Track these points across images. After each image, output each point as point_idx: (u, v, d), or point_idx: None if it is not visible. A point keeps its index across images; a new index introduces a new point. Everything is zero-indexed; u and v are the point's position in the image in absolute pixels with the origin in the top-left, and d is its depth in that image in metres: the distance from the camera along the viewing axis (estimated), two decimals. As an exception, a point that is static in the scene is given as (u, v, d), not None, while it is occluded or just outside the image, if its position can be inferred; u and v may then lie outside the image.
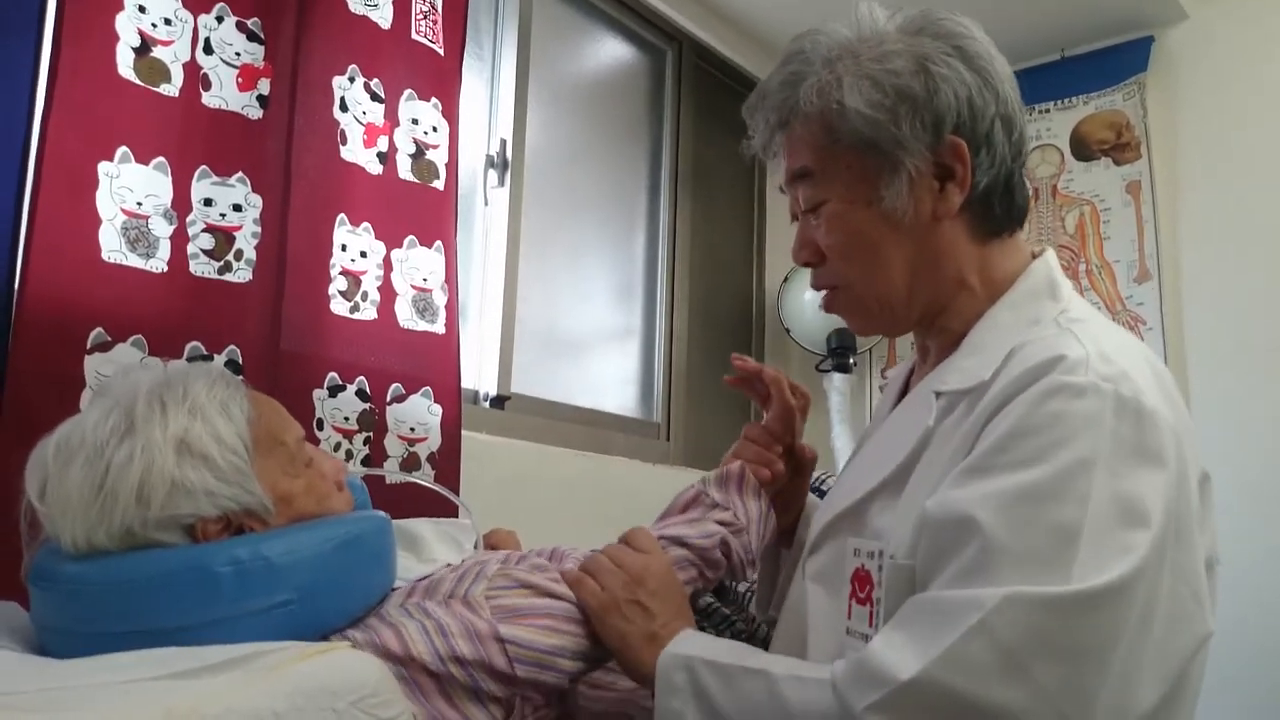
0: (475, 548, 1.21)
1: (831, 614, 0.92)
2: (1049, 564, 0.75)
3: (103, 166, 1.36)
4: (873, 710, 0.75)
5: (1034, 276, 0.96)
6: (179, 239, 1.45)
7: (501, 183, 2.19)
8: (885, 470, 0.93)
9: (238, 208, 1.51)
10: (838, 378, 2.81)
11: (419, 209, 1.78)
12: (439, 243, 1.80)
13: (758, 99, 1.00)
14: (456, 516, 1.47)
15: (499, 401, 2.11)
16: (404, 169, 1.77)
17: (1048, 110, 2.81)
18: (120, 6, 1.40)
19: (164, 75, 1.45)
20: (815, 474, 1.28)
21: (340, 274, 1.65)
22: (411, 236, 1.76)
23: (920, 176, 0.92)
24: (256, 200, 1.53)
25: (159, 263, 1.42)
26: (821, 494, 1.23)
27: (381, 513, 0.99)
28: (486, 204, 2.18)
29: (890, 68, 0.91)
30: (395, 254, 1.73)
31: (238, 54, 1.53)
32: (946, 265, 0.95)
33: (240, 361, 1.48)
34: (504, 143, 2.20)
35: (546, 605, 0.93)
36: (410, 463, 1.72)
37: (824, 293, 1.02)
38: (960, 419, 0.88)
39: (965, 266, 0.96)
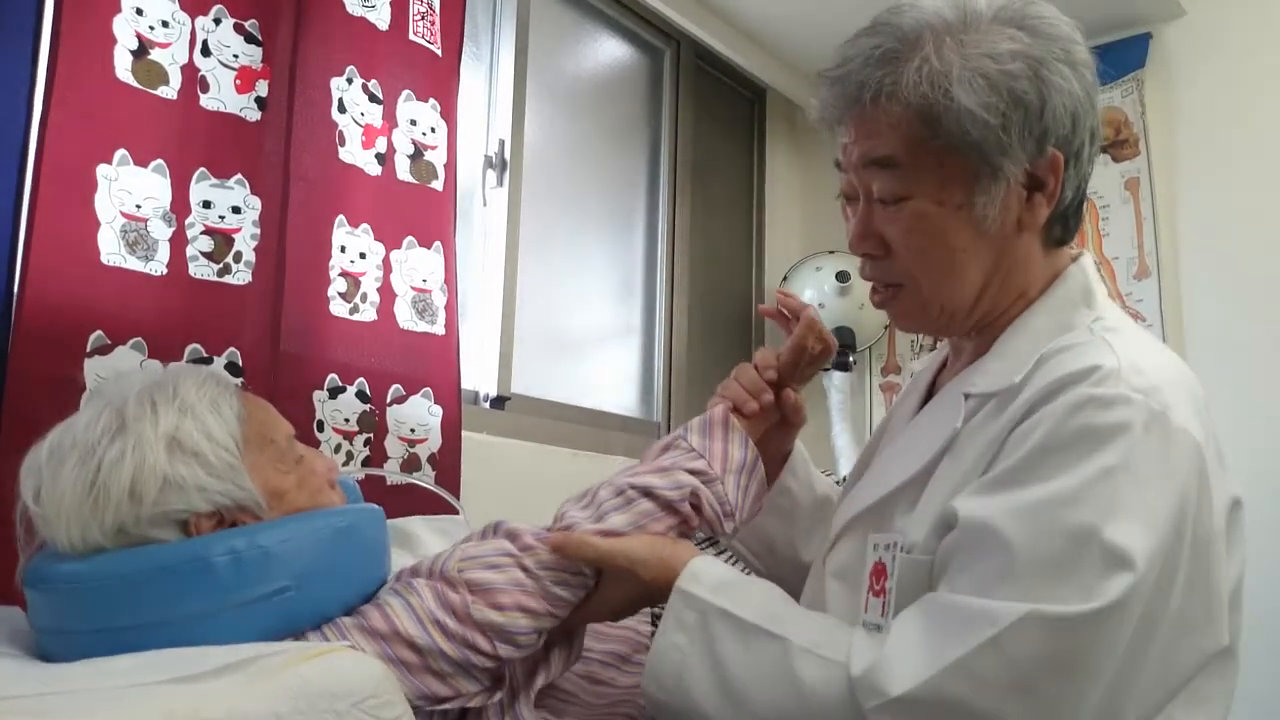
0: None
1: (852, 612, 0.92)
2: (1065, 570, 0.75)
3: (101, 169, 1.36)
4: (880, 711, 0.77)
5: (1070, 282, 0.94)
6: (178, 241, 1.45)
7: (500, 183, 2.19)
8: (910, 470, 0.92)
9: (237, 210, 1.51)
10: (838, 376, 2.81)
11: (418, 210, 1.78)
12: (438, 243, 1.80)
13: (841, 70, 0.90)
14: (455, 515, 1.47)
15: (499, 402, 2.11)
16: (402, 170, 1.77)
17: (1046, 107, 2.80)
18: (118, 9, 1.40)
19: (162, 78, 1.45)
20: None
21: (339, 275, 1.65)
22: (410, 237, 1.76)
23: (1014, 185, 0.88)
24: (255, 202, 1.53)
25: (158, 265, 1.42)
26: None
27: (375, 505, 0.99)
28: (485, 204, 2.18)
29: (1006, 69, 0.85)
30: (394, 255, 1.73)
31: (235, 56, 1.53)
32: (1017, 276, 0.93)
33: (240, 364, 1.48)
34: (502, 143, 2.20)
35: (517, 580, 0.91)
36: (411, 464, 1.72)
37: (876, 287, 0.97)
38: (986, 421, 0.87)
39: (1032, 278, 0.94)
